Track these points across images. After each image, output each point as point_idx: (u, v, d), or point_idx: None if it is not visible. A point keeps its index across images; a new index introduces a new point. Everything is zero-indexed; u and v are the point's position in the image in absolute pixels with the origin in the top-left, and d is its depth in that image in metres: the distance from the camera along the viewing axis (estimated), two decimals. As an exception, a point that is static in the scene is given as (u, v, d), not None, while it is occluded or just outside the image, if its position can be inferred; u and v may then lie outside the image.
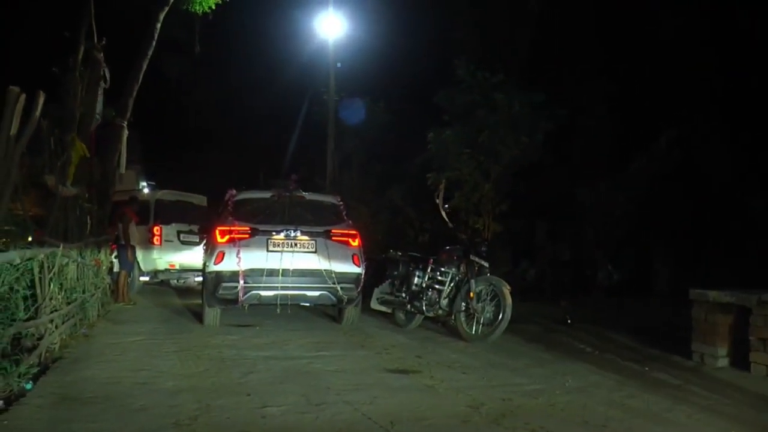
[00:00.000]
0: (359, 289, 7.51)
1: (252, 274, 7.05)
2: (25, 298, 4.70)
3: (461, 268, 7.29)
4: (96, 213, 9.69)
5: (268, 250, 7.14)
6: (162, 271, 12.08)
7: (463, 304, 7.00)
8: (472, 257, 7.15)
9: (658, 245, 13.41)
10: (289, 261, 7.10)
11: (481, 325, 6.83)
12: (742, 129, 11.99)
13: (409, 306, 7.61)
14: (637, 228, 13.07)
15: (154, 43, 11.60)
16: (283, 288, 7.12)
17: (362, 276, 7.52)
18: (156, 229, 11.85)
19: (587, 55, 13.93)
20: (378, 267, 8.53)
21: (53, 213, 7.12)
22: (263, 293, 7.14)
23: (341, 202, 8.14)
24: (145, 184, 15.20)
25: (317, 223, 7.52)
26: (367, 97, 16.42)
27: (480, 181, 12.17)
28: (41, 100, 5.32)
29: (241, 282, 7.02)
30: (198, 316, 8.02)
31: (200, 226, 10.10)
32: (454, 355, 6.09)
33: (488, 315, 6.81)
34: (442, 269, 7.42)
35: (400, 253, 8.25)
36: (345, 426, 3.73)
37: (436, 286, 7.40)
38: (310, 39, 16.25)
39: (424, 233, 14.54)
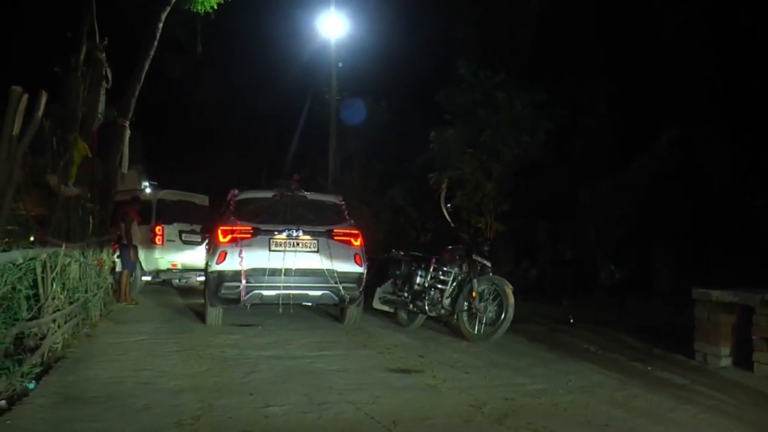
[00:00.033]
0: (361, 289, 7.50)
1: (254, 273, 7.04)
2: (27, 298, 4.70)
3: (464, 268, 7.29)
4: (98, 213, 9.71)
5: (270, 250, 7.13)
6: (164, 271, 12.09)
7: (466, 303, 7.00)
8: (474, 257, 7.14)
9: (659, 245, 13.40)
10: (292, 260, 7.10)
11: (483, 325, 6.82)
12: (743, 128, 11.98)
13: (411, 306, 7.60)
14: (638, 227, 13.05)
15: (156, 43, 11.60)
16: (285, 287, 7.12)
17: (364, 276, 7.51)
18: (158, 229, 11.86)
19: (588, 55, 13.90)
20: (380, 267, 8.50)
21: (56, 213, 7.14)
22: (265, 293, 7.14)
23: (343, 202, 8.14)
24: (147, 183, 15.20)
25: (319, 222, 7.51)
26: (369, 97, 16.42)
27: (482, 180, 12.17)
28: (43, 100, 5.33)
29: (244, 281, 7.01)
30: (200, 315, 8.02)
31: (202, 225, 10.10)
32: (457, 355, 6.09)
33: (491, 315, 6.79)
34: (445, 269, 7.42)
35: (402, 253, 8.22)
36: (347, 425, 3.73)
37: (439, 286, 7.39)
38: (311, 39, 16.28)
39: (426, 233, 14.53)
